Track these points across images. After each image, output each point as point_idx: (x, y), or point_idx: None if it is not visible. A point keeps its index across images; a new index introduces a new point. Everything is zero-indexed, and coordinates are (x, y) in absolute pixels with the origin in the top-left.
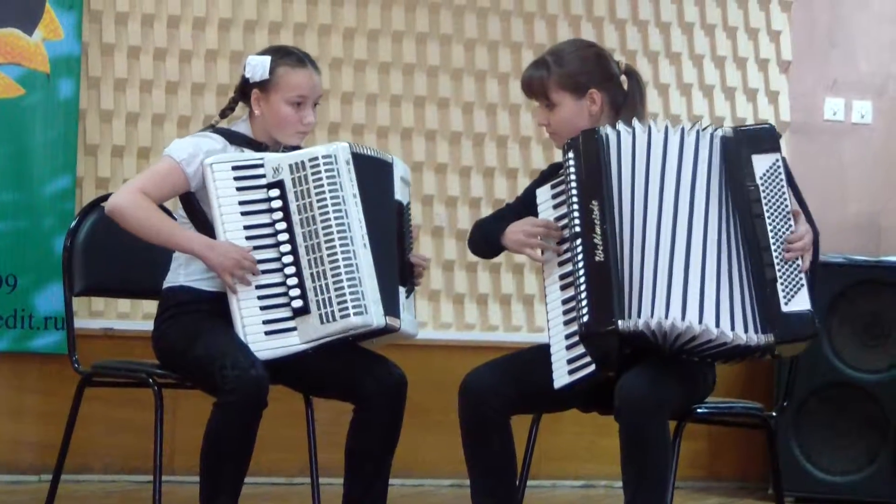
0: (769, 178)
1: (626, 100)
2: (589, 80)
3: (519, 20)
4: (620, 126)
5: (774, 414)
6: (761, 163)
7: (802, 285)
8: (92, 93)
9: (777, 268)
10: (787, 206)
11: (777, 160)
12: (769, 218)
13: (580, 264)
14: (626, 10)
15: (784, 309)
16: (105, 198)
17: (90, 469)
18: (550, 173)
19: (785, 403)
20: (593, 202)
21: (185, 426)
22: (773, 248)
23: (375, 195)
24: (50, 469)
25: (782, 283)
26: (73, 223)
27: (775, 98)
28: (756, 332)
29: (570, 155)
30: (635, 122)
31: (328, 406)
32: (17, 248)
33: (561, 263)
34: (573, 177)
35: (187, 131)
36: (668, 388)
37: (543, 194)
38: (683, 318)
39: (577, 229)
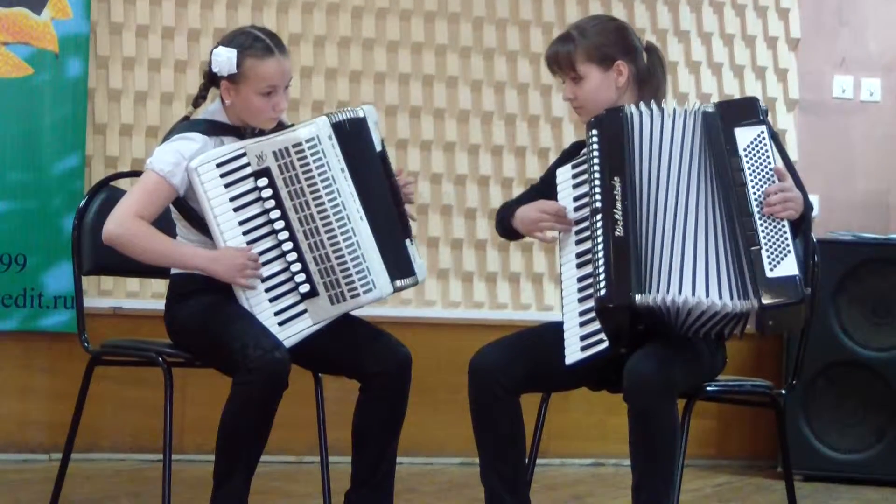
0: (753, 149)
1: (649, 75)
2: (615, 51)
3: None
4: (643, 106)
5: (783, 392)
6: (745, 135)
7: (789, 252)
8: (100, 72)
9: (762, 235)
10: (772, 175)
11: (762, 132)
12: (753, 187)
13: (599, 239)
14: None
15: (769, 275)
16: (114, 177)
17: (100, 448)
18: (572, 152)
19: (794, 382)
20: (615, 178)
21: (195, 405)
22: (756, 216)
23: (361, 160)
24: (59, 448)
25: (767, 250)
26: (82, 202)
27: (784, 76)
28: (741, 298)
29: (594, 132)
30: (653, 104)
31: (337, 384)
32: (26, 227)
33: (578, 242)
34: (596, 153)
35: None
36: (677, 368)
37: (564, 174)
38: (680, 291)
39: (598, 205)
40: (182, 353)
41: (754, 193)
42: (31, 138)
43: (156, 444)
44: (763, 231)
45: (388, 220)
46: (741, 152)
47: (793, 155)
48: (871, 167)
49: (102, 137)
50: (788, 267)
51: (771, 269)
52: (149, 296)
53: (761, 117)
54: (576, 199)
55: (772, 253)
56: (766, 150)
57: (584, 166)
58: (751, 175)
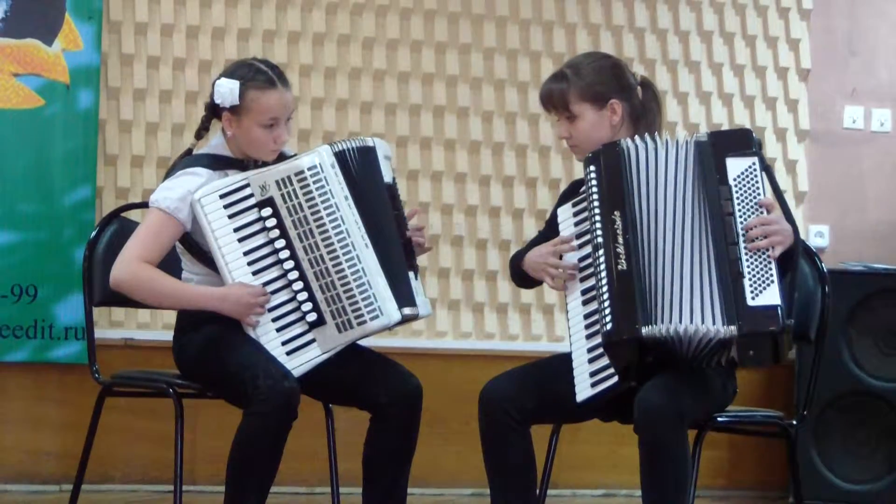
0: (744, 179)
1: (644, 111)
2: (609, 90)
3: (538, 29)
4: (638, 140)
5: (794, 423)
6: (736, 165)
7: (772, 281)
8: (111, 103)
9: (745, 263)
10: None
11: (754, 163)
12: (740, 216)
13: (603, 274)
14: (645, 19)
15: (750, 303)
16: (125, 208)
17: (111, 479)
18: (571, 191)
19: (805, 412)
20: (615, 213)
21: (206, 436)
22: (742, 244)
23: (366, 189)
24: (71, 479)
25: (750, 278)
26: (93, 233)
27: (794, 106)
28: (723, 324)
29: (592, 168)
30: (647, 136)
31: (348, 415)
32: (38, 258)
33: (583, 279)
34: (595, 189)
35: (205, 141)
36: (688, 398)
37: (564, 213)
38: (682, 320)
39: (600, 240)
40: (192, 384)
41: (741, 222)
42: (42, 169)
43: (167, 475)
44: (747, 260)
45: (393, 249)
46: (731, 182)
47: (803, 185)
48: (881, 197)
49: (113, 168)
50: (770, 296)
51: (753, 298)
52: (160, 327)
53: (754, 148)
54: (578, 236)
55: (754, 281)
56: (757, 181)
57: (585, 203)
58: (739, 204)
